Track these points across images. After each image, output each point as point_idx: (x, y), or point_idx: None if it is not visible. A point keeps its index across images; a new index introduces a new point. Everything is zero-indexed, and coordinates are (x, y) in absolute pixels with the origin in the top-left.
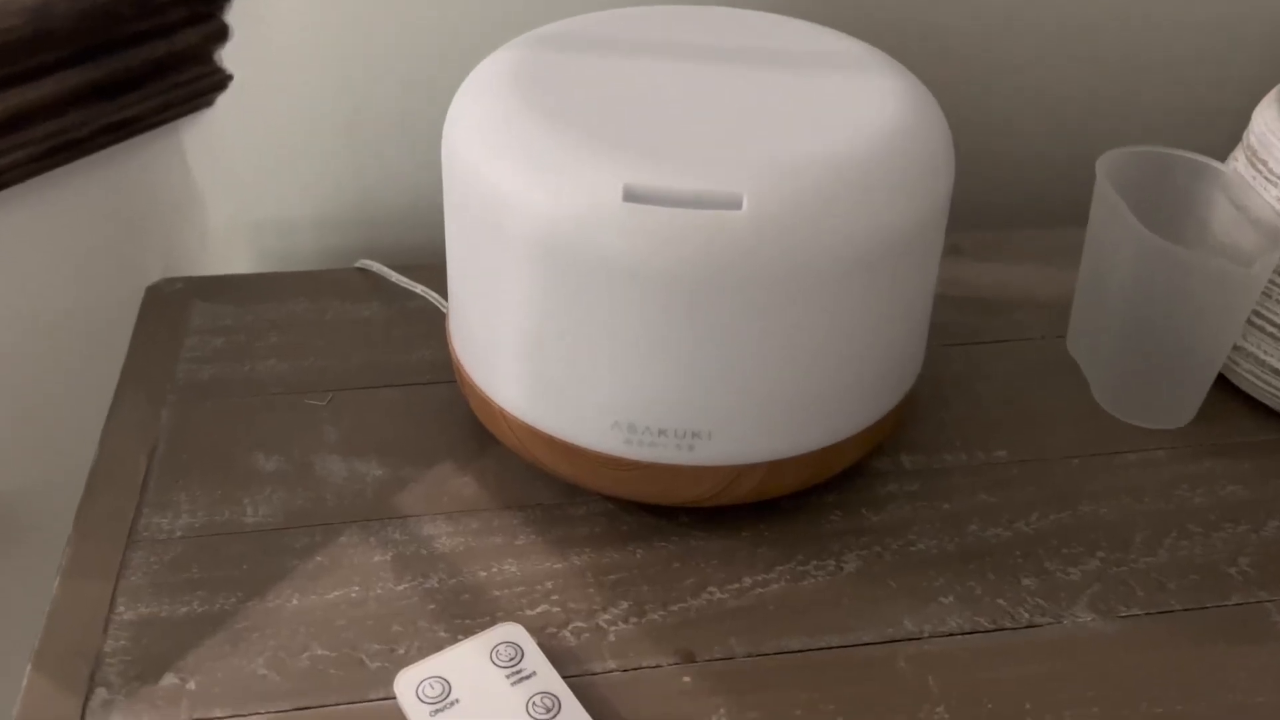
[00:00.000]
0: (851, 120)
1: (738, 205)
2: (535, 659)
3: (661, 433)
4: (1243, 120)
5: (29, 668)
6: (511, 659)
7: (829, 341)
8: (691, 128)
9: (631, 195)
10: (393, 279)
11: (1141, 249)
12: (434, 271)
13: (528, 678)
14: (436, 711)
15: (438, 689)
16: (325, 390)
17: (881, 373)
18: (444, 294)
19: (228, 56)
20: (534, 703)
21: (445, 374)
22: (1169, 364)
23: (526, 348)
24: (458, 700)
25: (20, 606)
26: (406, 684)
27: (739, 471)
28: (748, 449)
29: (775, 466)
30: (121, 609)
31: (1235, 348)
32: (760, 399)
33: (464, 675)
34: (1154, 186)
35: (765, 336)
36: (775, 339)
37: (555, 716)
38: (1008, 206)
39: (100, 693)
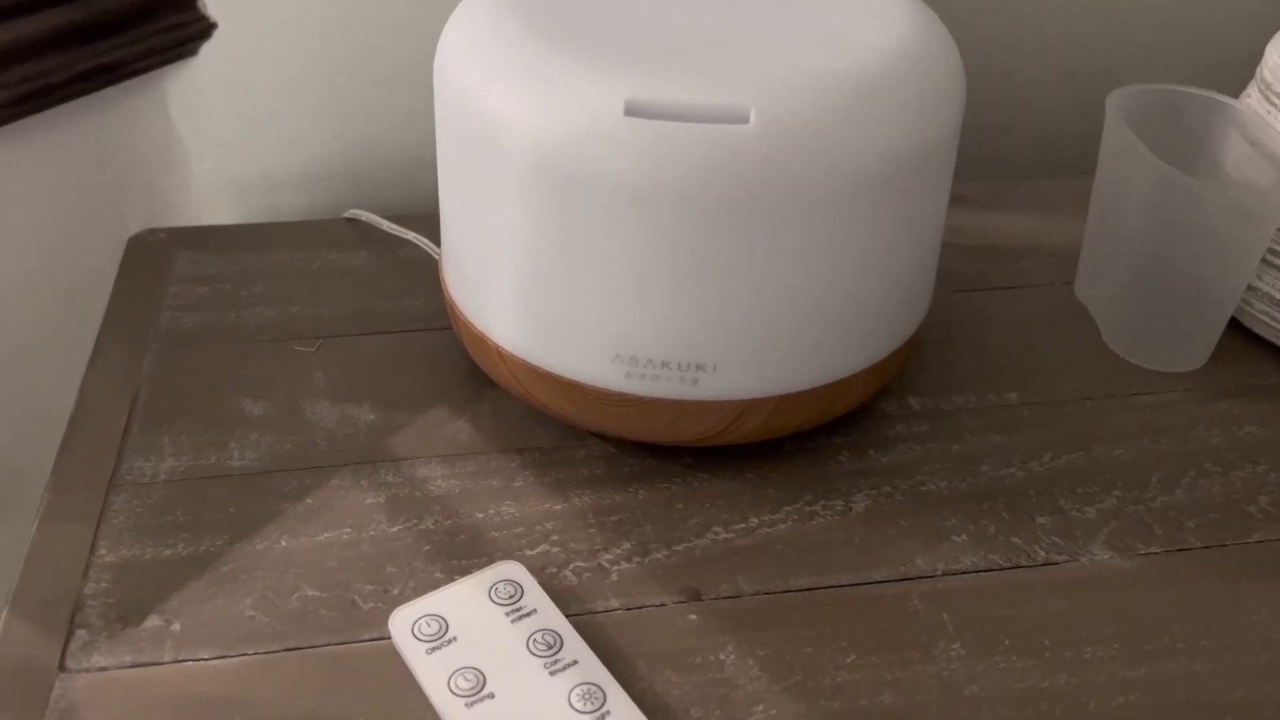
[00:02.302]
0: (861, 37)
1: (745, 119)
2: (536, 596)
3: (664, 365)
4: (1255, 56)
5: (5, 611)
6: (511, 597)
7: (838, 265)
8: (696, 42)
9: (634, 110)
10: (384, 227)
11: (1156, 184)
12: (426, 222)
13: (528, 615)
14: (433, 649)
15: (434, 627)
16: (314, 338)
17: (891, 303)
18: (436, 242)
19: (212, 3)
20: (535, 639)
21: (438, 322)
22: (1183, 303)
23: (523, 278)
24: (455, 638)
25: None
26: (401, 622)
27: (744, 407)
28: (754, 383)
29: (782, 402)
30: (103, 552)
31: (1249, 288)
32: (767, 328)
33: (461, 613)
34: (1166, 125)
35: (772, 259)
36: (782, 262)
37: (558, 653)
38: (1012, 159)
39: (81, 635)
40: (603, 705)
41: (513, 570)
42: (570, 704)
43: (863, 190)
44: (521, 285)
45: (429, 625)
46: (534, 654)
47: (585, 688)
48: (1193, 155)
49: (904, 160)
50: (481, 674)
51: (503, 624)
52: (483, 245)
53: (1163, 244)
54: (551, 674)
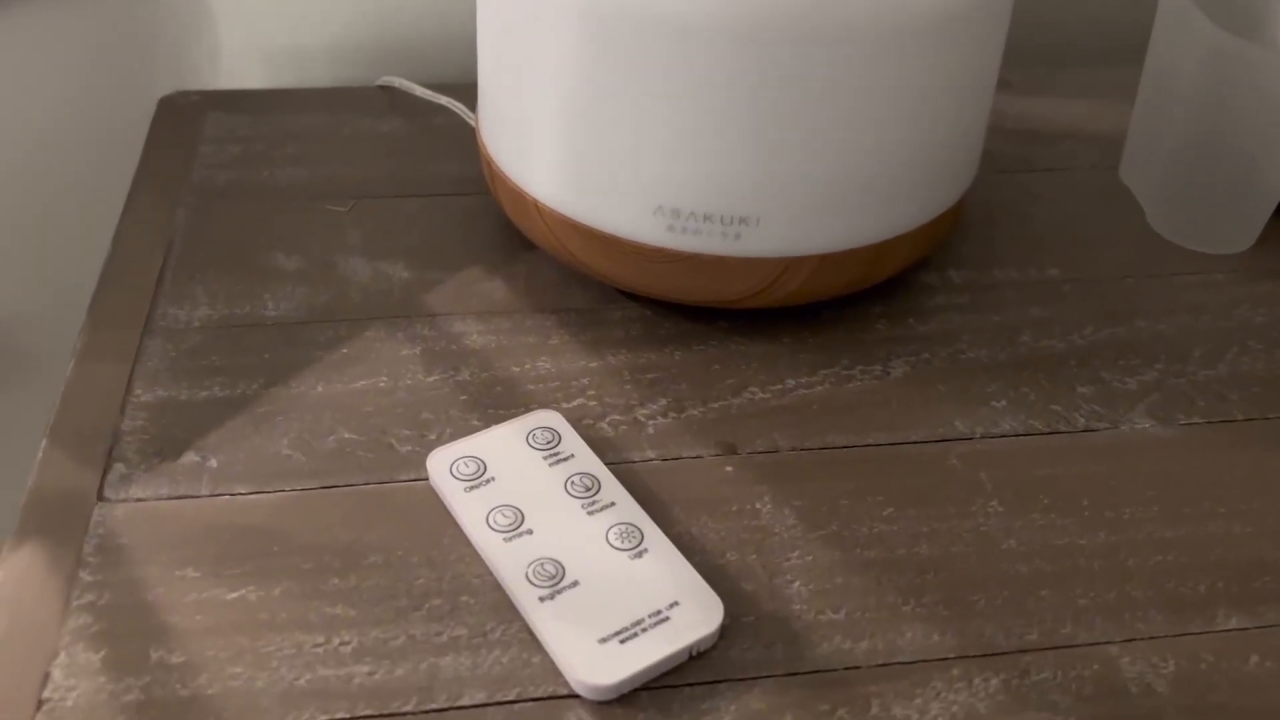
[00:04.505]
0: None
1: None
2: (573, 443)
3: (707, 218)
4: None
5: (44, 442)
6: (549, 442)
7: (888, 111)
8: None
9: None
10: (417, 93)
11: (1212, 53)
12: (458, 90)
13: (565, 459)
14: (471, 488)
15: (472, 467)
16: (347, 199)
17: (938, 162)
18: (470, 108)
19: None
20: (573, 482)
21: (472, 187)
22: (1233, 182)
23: (564, 126)
24: (493, 478)
25: (24, 433)
26: (439, 462)
27: (786, 265)
28: (797, 240)
29: (824, 261)
30: (139, 391)
31: None
32: (813, 179)
33: (499, 456)
34: (1222, 0)
35: (823, 101)
36: (833, 104)
37: (595, 494)
38: (1059, 47)
39: (118, 468)
40: (640, 543)
41: (550, 418)
42: (608, 541)
43: (918, 32)
44: (563, 134)
45: (467, 466)
46: (572, 495)
47: (623, 527)
48: (1249, 31)
49: (963, 5)
50: (520, 511)
51: (540, 467)
52: (523, 93)
53: (1215, 118)
54: (589, 514)
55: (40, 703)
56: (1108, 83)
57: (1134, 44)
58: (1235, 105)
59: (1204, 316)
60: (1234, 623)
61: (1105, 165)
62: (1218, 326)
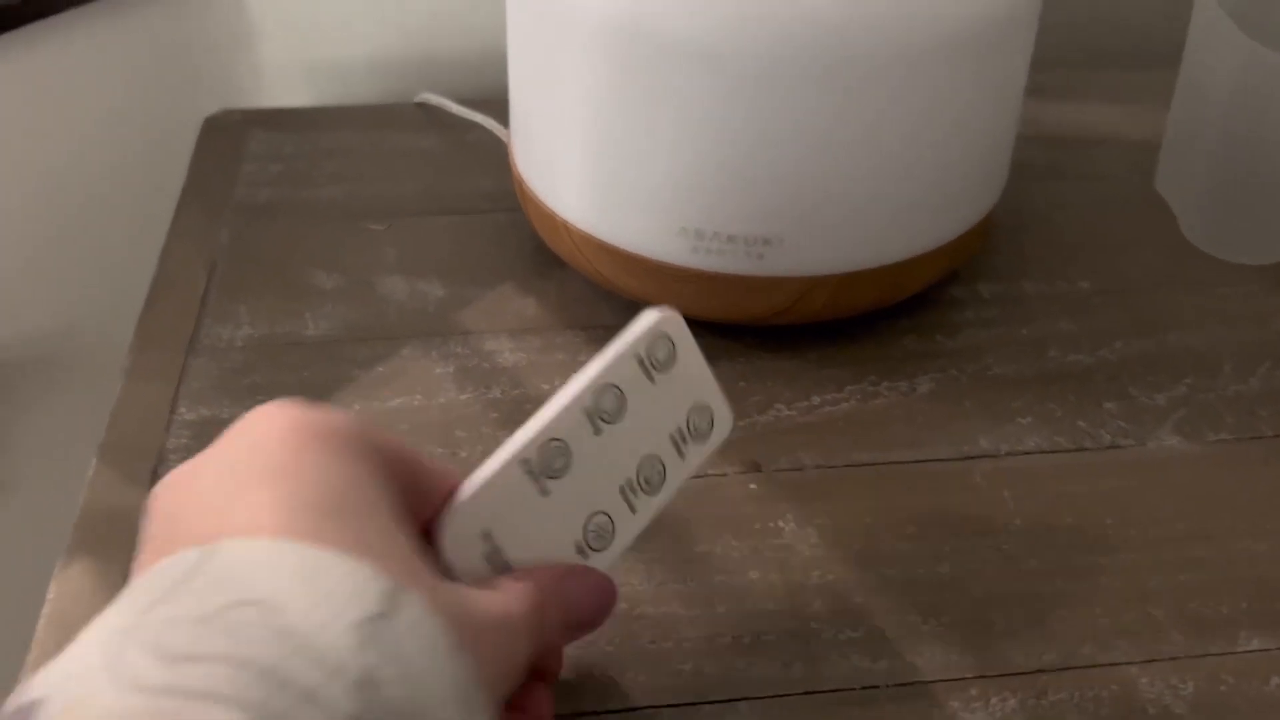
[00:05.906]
0: None
1: None
2: None
3: (730, 239)
4: None
5: (94, 460)
6: None
7: (912, 132)
8: None
9: None
10: (453, 110)
11: (1247, 65)
12: (496, 107)
13: None
14: None
15: None
16: (384, 216)
17: (964, 179)
18: (506, 125)
19: None
20: None
21: (506, 203)
22: (1268, 191)
23: (591, 149)
24: None
25: (72, 446)
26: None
27: (811, 284)
28: (821, 259)
29: (849, 279)
30: (183, 410)
31: None
32: (836, 200)
33: None
34: (1259, 6)
35: (846, 123)
36: (857, 126)
37: None
38: (1093, 50)
39: None
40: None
41: None
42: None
43: (942, 52)
44: (589, 156)
45: None
46: None
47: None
48: None
49: (986, 21)
50: None
51: None
52: (551, 116)
53: (1252, 128)
54: None
55: None
56: (1142, 87)
57: (1169, 48)
58: (1271, 116)
59: (1237, 329)
60: (1255, 644)
61: (1139, 172)
62: (1251, 339)
